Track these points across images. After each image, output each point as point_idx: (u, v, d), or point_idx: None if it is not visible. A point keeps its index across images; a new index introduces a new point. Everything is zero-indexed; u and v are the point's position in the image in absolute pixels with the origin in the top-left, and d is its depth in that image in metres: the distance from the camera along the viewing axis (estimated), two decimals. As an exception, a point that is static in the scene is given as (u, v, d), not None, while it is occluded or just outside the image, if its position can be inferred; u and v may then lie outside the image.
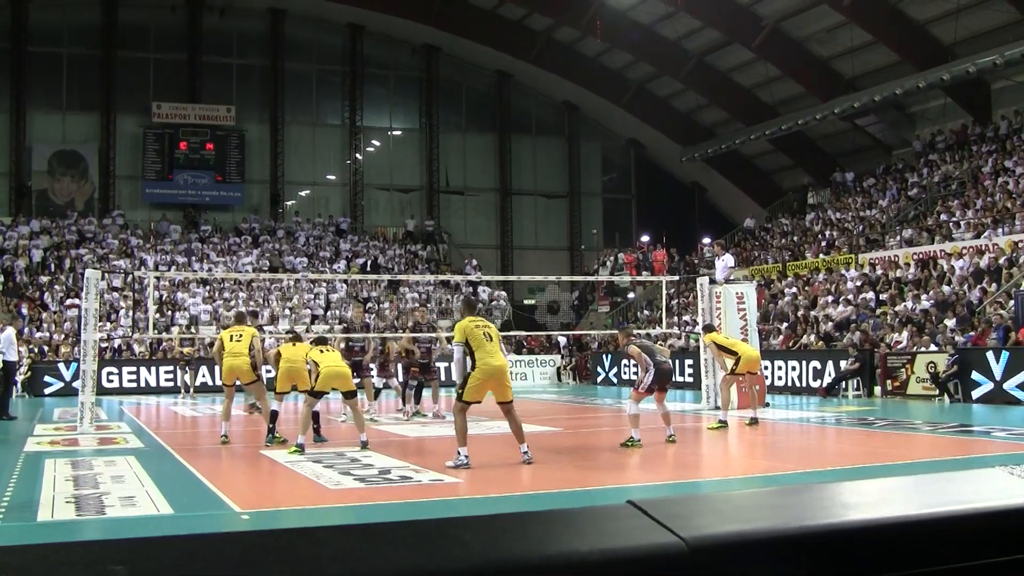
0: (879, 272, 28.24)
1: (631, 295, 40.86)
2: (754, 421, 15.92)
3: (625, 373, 31.66)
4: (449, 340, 13.36)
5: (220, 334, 15.19)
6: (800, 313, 28.50)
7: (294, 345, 13.76)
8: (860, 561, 1.63)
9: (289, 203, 44.40)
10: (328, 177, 45.46)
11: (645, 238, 44.35)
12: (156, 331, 28.46)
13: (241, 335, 14.18)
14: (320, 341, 13.87)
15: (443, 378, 24.81)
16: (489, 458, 12.32)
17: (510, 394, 10.68)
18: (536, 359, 35.99)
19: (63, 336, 31.58)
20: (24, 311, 31.78)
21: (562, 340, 37.05)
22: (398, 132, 46.80)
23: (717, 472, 11.42)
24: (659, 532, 1.57)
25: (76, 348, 26.02)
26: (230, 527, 7.86)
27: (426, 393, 19.45)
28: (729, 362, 16.22)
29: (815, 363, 24.25)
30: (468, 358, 10.54)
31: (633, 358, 13.22)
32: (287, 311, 35.41)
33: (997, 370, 19.69)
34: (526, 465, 10.78)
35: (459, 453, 10.48)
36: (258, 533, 1.50)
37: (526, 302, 43.48)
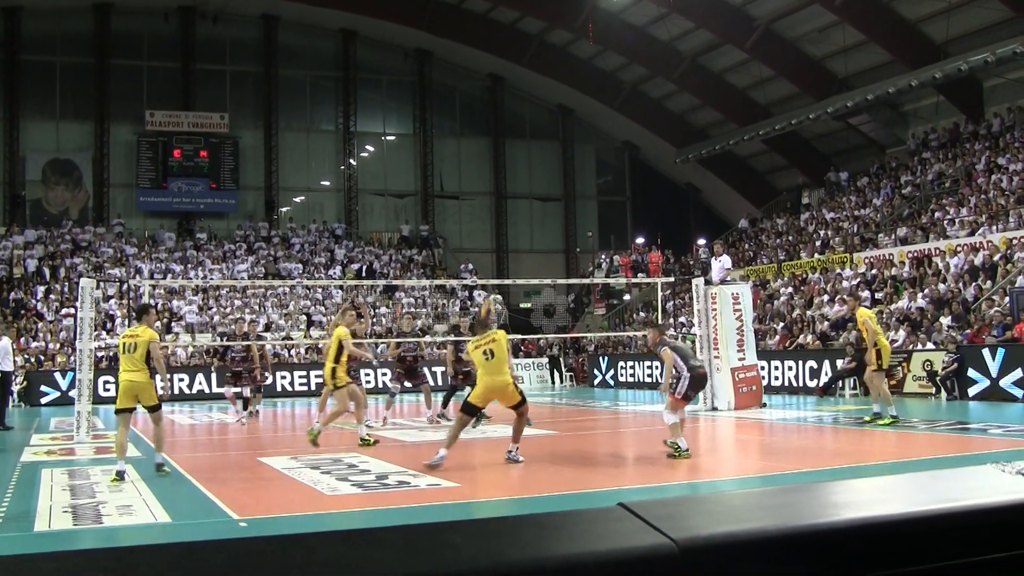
0: (874, 271, 28.27)
1: (627, 297, 40.87)
2: (877, 416, 15.45)
3: (622, 375, 31.66)
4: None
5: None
6: (796, 313, 28.52)
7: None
8: (851, 560, 1.63)
9: (284, 209, 44.35)
10: (322, 183, 45.43)
11: (640, 240, 44.38)
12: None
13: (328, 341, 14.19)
14: (140, 314, 11.79)
15: (437, 382, 24.80)
16: (485, 461, 12.34)
17: (515, 400, 11.57)
18: (533, 362, 35.97)
19: (59, 345, 31.52)
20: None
21: (541, 342, 36.79)
22: (392, 137, 46.79)
23: (711, 473, 11.42)
24: (650, 534, 1.57)
25: (72, 357, 25.98)
26: (227, 534, 7.85)
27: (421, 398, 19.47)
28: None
29: (811, 363, 24.27)
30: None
31: (664, 362, 12.20)
32: (283, 318, 35.41)
33: (993, 367, 19.72)
34: (514, 464, 11.38)
35: (438, 452, 11.13)
36: (249, 540, 1.50)
37: (522, 305, 43.44)
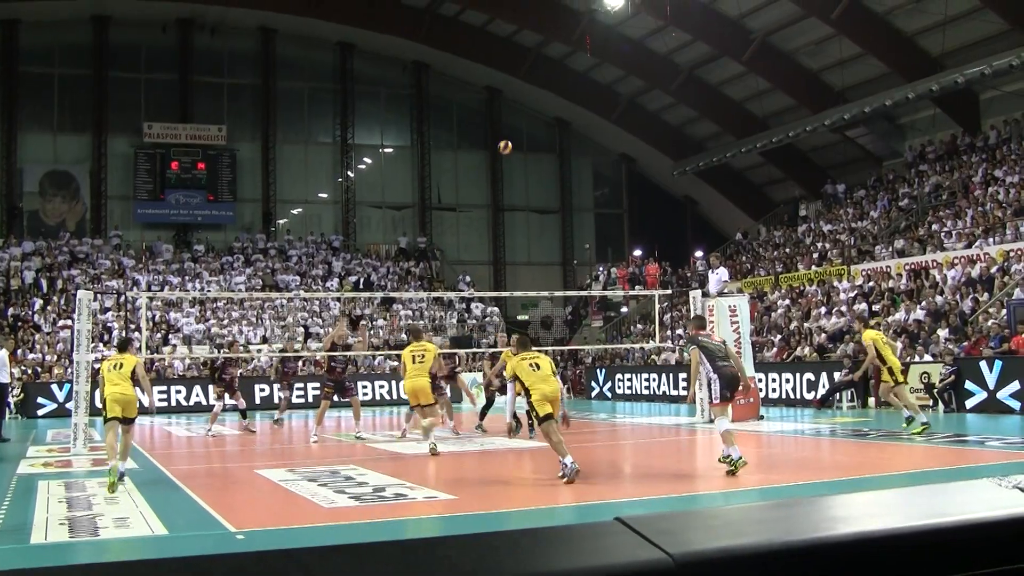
0: (871, 283, 28.28)
1: (624, 309, 40.86)
2: (925, 425, 15.34)
3: (619, 387, 31.63)
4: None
5: (403, 353, 14.92)
6: (793, 325, 28.52)
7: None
8: (849, 575, 1.63)
9: (281, 221, 44.36)
10: (320, 195, 45.44)
11: (637, 252, 44.38)
12: (149, 351, 28.40)
13: (424, 354, 14.11)
14: (124, 346, 12.41)
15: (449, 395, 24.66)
16: (484, 475, 12.32)
17: (556, 413, 11.33)
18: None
19: (56, 357, 31.48)
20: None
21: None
22: (389, 149, 46.83)
23: (709, 486, 11.39)
24: (646, 549, 1.57)
25: (69, 369, 25.93)
26: (224, 547, 7.83)
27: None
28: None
29: (809, 375, 24.24)
30: (523, 388, 11.36)
31: (691, 361, 12.19)
32: (279, 329, 35.38)
33: (991, 379, 19.72)
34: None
35: (564, 464, 10.87)
36: (242, 555, 1.50)
37: (519, 318, 43.42)
